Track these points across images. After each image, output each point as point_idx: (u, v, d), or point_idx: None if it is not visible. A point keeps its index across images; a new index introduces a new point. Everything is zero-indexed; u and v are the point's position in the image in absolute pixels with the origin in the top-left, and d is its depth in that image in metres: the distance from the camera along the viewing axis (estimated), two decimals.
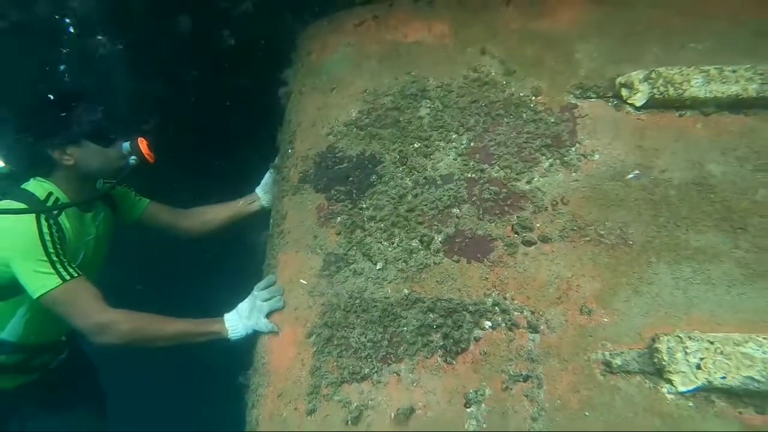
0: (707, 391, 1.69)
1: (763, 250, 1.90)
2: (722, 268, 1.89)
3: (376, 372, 1.89)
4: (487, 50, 2.44)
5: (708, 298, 1.85)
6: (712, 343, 1.72)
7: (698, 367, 1.69)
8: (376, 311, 1.99)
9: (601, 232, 2.00)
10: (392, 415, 1.80)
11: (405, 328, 1.94)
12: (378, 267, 2.07)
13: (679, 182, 2.05)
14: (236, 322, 2.15)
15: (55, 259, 2.19)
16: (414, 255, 2.06)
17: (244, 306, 2.18)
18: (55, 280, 2.17)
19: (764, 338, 1.70)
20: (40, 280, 2.16)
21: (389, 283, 2.04)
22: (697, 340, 1.73)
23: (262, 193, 2.82)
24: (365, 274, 2.08)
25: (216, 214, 2.88)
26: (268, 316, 2.12)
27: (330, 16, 2.84)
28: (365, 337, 1.95)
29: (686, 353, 1.71)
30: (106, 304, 2.22)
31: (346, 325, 1.99)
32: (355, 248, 2.14)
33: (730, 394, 1.68)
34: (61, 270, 2.19)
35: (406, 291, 2.01)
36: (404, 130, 2.32)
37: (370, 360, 1.91)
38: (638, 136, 2.16)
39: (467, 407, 1.78)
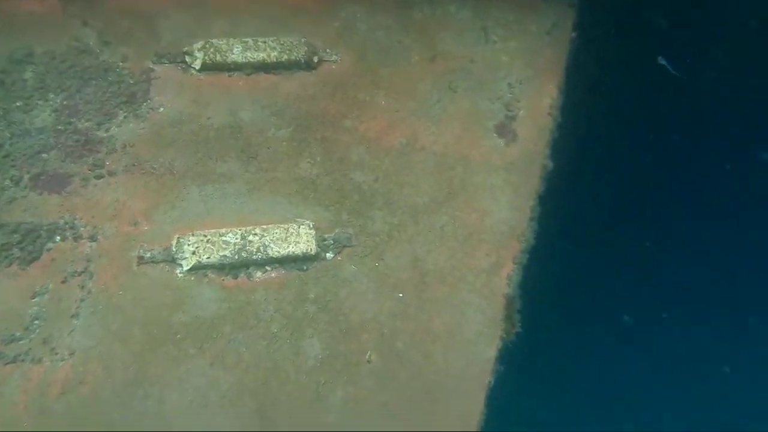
0: (202, 268, 2.49)
1: (263, 171, 2.73)
2: (234, 186, 2.69)
3: None
4: (89, 23, 2.99)
5: (221, 208, 2.65)
6: (206, 236, 2.52)
7: (194, 252, 2.48)
8: None
9: (154, 166, 2.70)
10: None
11: None
12: None
13: (218, 126, 2.82)
14: None
15: None
16: (5, 191, 2.62)
17: None
18: None
19: (239, 230, 2.54)
20: None
21: None
22: (197, 236, 2.51)
23: None
24: None
25: None
26: None
27: None
28: None
29: (188, 245, 2.50)
30: None
31: None
32: None
33: (216, 268, 2.50)
34: None
35: None
36: (9, 91, 2.81)
37: None
38: (196, 93, 2.88)
39: (33, 299, 2.42)
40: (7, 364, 2.30)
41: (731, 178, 3.75)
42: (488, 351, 2.62)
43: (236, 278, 2.51)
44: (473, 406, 2.54)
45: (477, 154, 3.01)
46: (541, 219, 2.97)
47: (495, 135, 3.09)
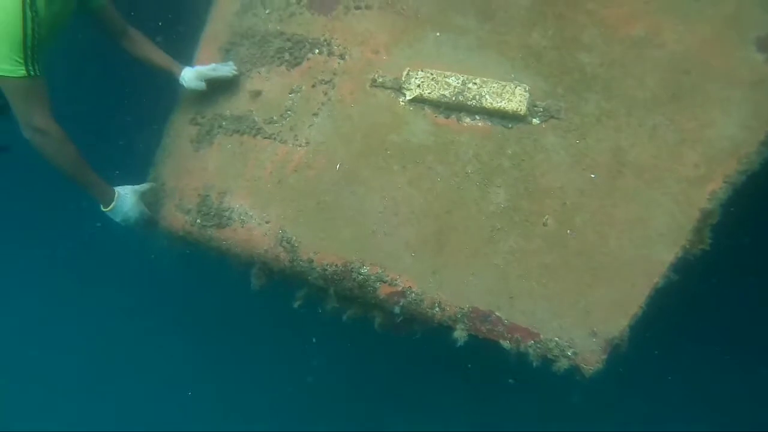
0: (422, 102, 2.84)
1: (495, 32, 2.92)
2: (467, 40, 2.94)
3: (250, 70, 3.13)
4: None
5: (450, 55, 2.92)
6: (432, 74, 2.84)
7: (419, 86, 2.83)
8: (258, 37, 3.18)
9: (404, 8, 3.04)
10: (248, 92, 3.05)
11: (271, 48, 3.13)
12: (267, 11, 3.22)
13: None
14: (120, 207, 2.84)
15: (29, 51, 2.43)
16: (289, 7, 3.19)
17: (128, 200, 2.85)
18: (22, 71, 2.45)
19: (461, 76, 2.80)
20: (10, 64, 2.43)
21: (271, 23, 3.20)
22: (425, 72, 2.85)
23: (185, 78, 3.09)
24: (259, 16, 3.24)
25: (150, 54, 3.14)
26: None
27: None
28: (249, 52, 3.17)
29: (416, 78, 2.85)
30: (51, 113, 2.56)
31: (240, 44, 3.21)
32: (257, 2, 3.28)
33: (433, 105, 2.83)
34: (30, 65, 2.46)
35: (278, 28, 3.17)
36: None
37: (249, 65, 3.14)
38: None
39: (290, 94, 3.01)
40: (265, 138, 2.94)
41: None
42: (665, 255, 2.60)
43: (448, 118, 2.81)
44: (632, 299, 2.59)
45: (722, 63, 2.80)
46: None
47: (754, 47, 2.82)
